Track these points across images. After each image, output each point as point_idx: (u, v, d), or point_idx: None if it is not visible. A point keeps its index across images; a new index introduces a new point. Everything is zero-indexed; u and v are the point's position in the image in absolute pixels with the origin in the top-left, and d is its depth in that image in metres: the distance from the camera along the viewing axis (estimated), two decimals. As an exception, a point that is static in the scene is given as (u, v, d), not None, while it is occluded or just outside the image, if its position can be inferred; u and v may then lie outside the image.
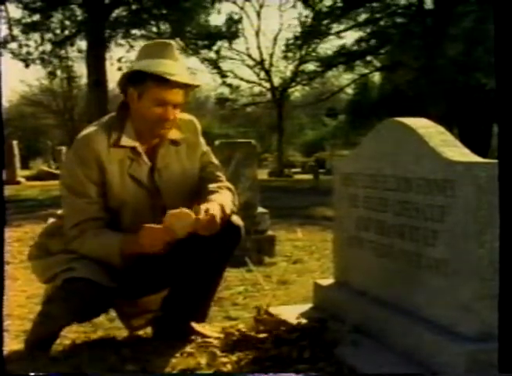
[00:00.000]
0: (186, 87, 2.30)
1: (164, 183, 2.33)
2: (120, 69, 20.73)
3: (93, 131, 2.29)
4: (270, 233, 4.74)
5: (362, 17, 20.21)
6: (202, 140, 2.48)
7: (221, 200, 2.27)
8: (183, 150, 2.40)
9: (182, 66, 2.32)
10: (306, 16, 21.29)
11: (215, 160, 2.50)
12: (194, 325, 2.48)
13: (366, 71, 24.01)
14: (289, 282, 3.68)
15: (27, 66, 19.36)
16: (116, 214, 2.31)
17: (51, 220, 2.47)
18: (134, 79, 2.26)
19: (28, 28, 18.55)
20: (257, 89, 26.82)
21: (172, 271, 2.35)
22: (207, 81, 28.92)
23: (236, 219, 2.38)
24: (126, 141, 2.28)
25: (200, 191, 2.37)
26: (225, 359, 2.17)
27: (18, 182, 14.97)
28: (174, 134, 2.37)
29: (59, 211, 2.44)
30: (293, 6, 21.91)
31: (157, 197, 2.33)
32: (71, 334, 2.47)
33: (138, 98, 2.25)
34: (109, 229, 2.28)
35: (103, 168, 2.25)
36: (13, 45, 18.70)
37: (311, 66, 24.45)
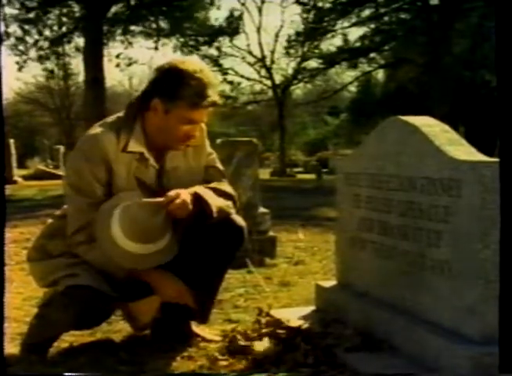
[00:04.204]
0: (216, 105, 2.27)
1: (172, 185, 2.30)
2: (118, 65, 20.73)
3: (101, 131, 2.25)
4: (271, 233, 4.71)
5: (366, 13, 20.15)
6: (207, 141, 2.46)
7: (202, 190, 2.26)
8: (190, 151, 2.38)
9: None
10: (308, 12, 21.21)
11: (220, 166, 2.49)
12: (194, 328, 2.46)
13: (370, 68, 23.94)
14: (290, 284, 3.65)
15: (20, 68, 19.31)
16: None
17: (50, 221, 2.44)
18: (164, 93, 2.21)
19: (25, 25, 18.49)
20: (257, 87, 26.80)
21: (173, 272, 2.32)
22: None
23: (239, 220, 2.36)
24: (134, 146, 2.25)
25: None
26: (225, 363, 2.14)
27: (15, 182, 14.91)
28: None
29: (58, 212, 2.42)
30: (296, 2, 21.78)
31: None
32: (69, 336, 2.44)
33: (165, 113, 2.21)
34: None
35: (111, 169, 2.23)
36: (10, 42, 18.70)
37: (313, 64, 24.44)
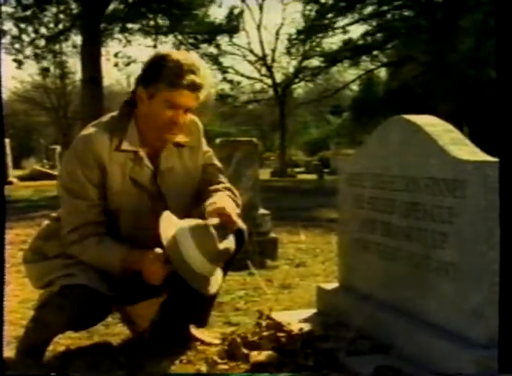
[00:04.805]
0: (198, 89, 2.21)
1: (167, 186, 2.29)
2: (116, 64, 20.67)
3: (94, 131, 2.23)
4: (272, 235, 4.69)
5: (368, 10, 20.07)
6: (204, 141, 2.44)
7: (225, 200, 2.23)
8: (186, 152, 2.36)
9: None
10: (310, 10, 21.17)
11: (217, 163, 2.46)
12: (193, 331, 2.44)
13: (372, 67, 23.87)
14: (292, 286, 3.64)
15: (19, 65, 19.23)
16: (115, 217, 2.25)
17: (46, 222, 2.41)
18: (146, 79, 2.21)
19: (21, 23, 18.42)
20: (258, 86, 26.76)
21: (173, 274, 2.29)
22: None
23: (240, 222, 2.32)
24: (128, 145, 2.23)
25: (199, 193, 2.33)
26: (225, 367, 2.12)
27: (10, 183, 14.81)
28: (177, 136, 2.31)
29: (54, 213, 2.39)
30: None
31: (159, 201, 2.28)
32: (65, 340, 2.42)
33: (149, 99, 2.20)
34: (110, 236, 2.22)
35: (104, 170, 2.20)
36: (5, 40, 18.61)
37: (315, 62, 24.39)
